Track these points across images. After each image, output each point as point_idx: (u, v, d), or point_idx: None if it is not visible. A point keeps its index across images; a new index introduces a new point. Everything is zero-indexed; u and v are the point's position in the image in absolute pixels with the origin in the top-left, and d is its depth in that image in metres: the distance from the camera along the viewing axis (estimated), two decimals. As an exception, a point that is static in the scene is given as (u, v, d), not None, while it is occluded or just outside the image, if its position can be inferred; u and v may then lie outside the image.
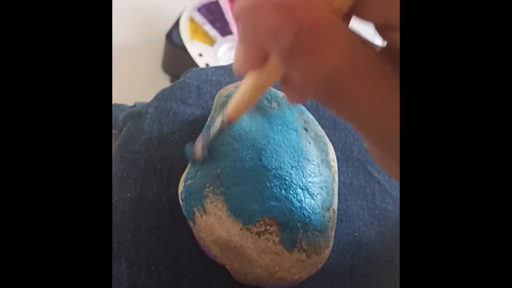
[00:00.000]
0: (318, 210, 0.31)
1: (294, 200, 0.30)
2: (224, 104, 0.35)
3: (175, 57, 0.65)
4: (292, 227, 0.30)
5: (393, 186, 0.40)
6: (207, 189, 0.31)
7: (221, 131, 0.28)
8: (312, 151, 0.34)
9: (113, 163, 0.36)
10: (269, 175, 0.31)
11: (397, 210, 0.38)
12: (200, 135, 0.32)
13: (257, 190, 0.30)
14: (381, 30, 0.20)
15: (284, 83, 0.20)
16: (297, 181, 0.31)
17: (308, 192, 0.31)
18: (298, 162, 0.32)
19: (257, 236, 0.29)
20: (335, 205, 0.33)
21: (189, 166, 0.33)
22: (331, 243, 0.32)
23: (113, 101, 0.58)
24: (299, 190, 0.31)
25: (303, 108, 0.37)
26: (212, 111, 0.35)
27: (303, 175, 0.32)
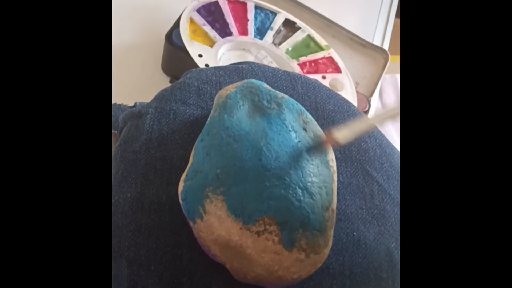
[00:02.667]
0: (317, 209, 0.31)
1: (293, 199, 0.31)
2: (224, 104, 0.35)
3: (175, 57, 0.65)
4: (292, 227, 0.30)
5: (392, 186, 0.40)
6: (207, 189, 0.31)
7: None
8: (311, 151, 0.34)
9: (113, 163, 0.36)
10: (269, 175, 0.31)
11: (396, 210, 0.38)
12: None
13: (256, 189, 0.30)
14: None
15: None
16: (296, 181, 0.31)
17: (307, 191, 0.31)
18: (297, 162, 0.32)
19: (256, 235, 0.29)
20: (334, 205, 0.33)
21: (189, 166, 0.33)
22: (330, 243, 0.32)
23: (113, 101, 0.59)
24: (298, 190, 0.31)
25: (302, 108, 0.37)
26: (212, 112, 0.36)
27: (302, 175, 0.32)
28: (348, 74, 0.70)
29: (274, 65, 0.66)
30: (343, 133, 0.32)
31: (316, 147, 0.34)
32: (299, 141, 0.34)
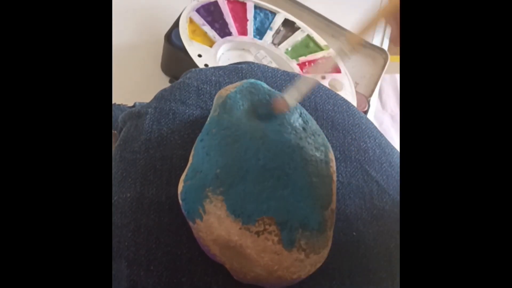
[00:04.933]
0: (316, 209, 0.31)
1: (292, 199, 0.31)
2: (223, 104, 0.35)
3: (174, 57, 0.65)
4: (291, 227, 0.30)
5: (391, 186, 0.40)
6: (207, 189, 0.31)
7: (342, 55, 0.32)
8: (310, 151, 0.34)
9: (113, 163, 0.36)
10: (268, 175, 0.31)
11: (395, 210, 0.38)
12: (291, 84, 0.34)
13: (256, 189, 0.30)
14: None
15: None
16: (295, 181, 0.31)
17: (306, 191, 0.31)
18: (297, 162, 0.32)
19: (256, 235, 0.29)
20: (333, 205, 0.33)
21: (188, 166, 0.33)
22: (330, 243, 0.32)
23: (113, 101, 0.59)
24: (297, 190, 0.31)
25: (302, 108, 0.37)
26: (211, 112, 0.36)
27: (301, 175, 0.32)
28: (348, 74, 0.70)
29: (273, 65, 0.66)
30: (291, 95, 0.33)
31: (267, 113, 0.34)
32: (298, 141, 0.34)
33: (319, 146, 0.35)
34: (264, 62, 0.66)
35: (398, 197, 0.39)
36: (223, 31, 0.67)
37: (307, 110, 0.38)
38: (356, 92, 0.69)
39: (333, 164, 0.35)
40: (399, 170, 0.41)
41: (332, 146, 0.40)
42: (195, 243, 0.32)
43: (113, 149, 0.38)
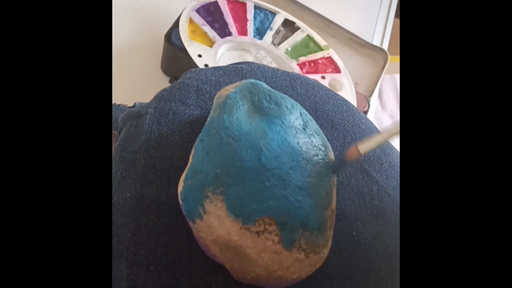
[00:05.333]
0: (316, 209, 0.31)
1: (293, 199, 0.31)
2: (223, 104, 0.35)
3: (174, 58, 0.65)
4: (291, 227, 0.30)
5: (391, 186, 0.40)
6: (207, 189, 0.31)
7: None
8: (310, 151, 0.34)
9: (113, 163, 0.36)
10: (268, 174, 0.31)
11: (395, 210, 0.38)
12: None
13: (256, 189, 0.30)
14: None
15: None
16: (295, 181, 0.31)
17: (306, 191, 0.31)
18: (297, 162, 0.32)
19: (256, 235, 0.29)
20: (333, 205, 0.33)
21: (188, 166, 0.33)
22: (330, 243, 0.32)
23: (113, 101, 0.58)
24: (297, 190, 0.31)
25: (302, 108, 0.37)
26: (211, 112, 0.36)
27: (301, 175, 0.32)
28: (348, 74, 0.70)
29: (273, 65, 0.66)
30: (365, 146, 0.33)
31: (340, 165, 0.35)
32: (298, 141, 0.34)
33: (319, 146, 0.35)
34: (264, 62, 0.66)
35: (398, 197, 0.39)
36: (223, 31, 0.67)
37: (307, 110, 0.38)
38: (356, 92, 0.69)
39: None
40: (399, 170, 0.41)
41: (332, 146, 0.40)
42: (195, 243, 0.32)
43: (113, 149, 0.38)
